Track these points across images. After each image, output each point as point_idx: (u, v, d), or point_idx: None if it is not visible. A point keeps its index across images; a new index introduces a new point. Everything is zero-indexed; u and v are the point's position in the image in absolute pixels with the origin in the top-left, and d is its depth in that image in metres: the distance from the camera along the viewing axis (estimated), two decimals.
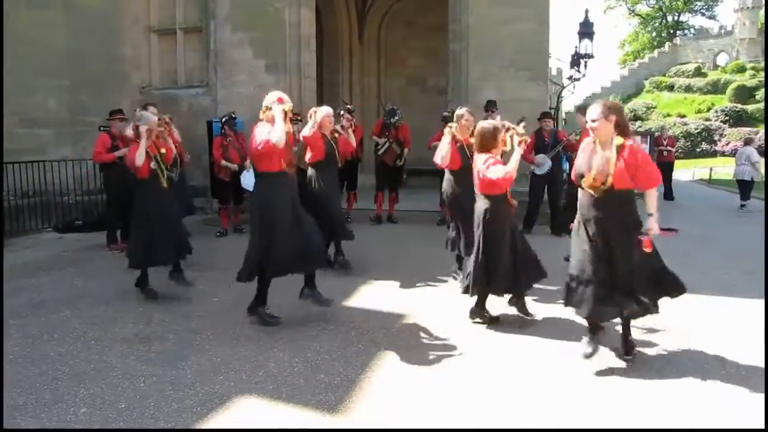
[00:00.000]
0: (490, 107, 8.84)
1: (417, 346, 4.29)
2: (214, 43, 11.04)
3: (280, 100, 4.55)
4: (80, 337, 4.45)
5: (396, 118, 9.51)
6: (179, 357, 4.06)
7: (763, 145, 17.96)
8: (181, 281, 5.84)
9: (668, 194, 14.61)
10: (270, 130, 4.45)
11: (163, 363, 3.96)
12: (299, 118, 9.18)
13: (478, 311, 4.77)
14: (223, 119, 8.78)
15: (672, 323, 4.68)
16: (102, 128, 7.88)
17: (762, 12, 49.16)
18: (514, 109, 9.73)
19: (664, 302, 5.21)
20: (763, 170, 14.01)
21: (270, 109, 4.56)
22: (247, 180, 8.82)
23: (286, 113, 4.51)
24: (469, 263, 4.75)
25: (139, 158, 5.21)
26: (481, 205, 4.69)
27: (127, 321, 4.83)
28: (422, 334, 4.52)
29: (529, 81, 10.17)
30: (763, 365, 3.83)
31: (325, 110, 6.14)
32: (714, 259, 7.23)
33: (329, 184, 6.29)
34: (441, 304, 5.30)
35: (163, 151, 5.44)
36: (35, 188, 9.22)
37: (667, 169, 15.09)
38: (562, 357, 4.03)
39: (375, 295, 5.53)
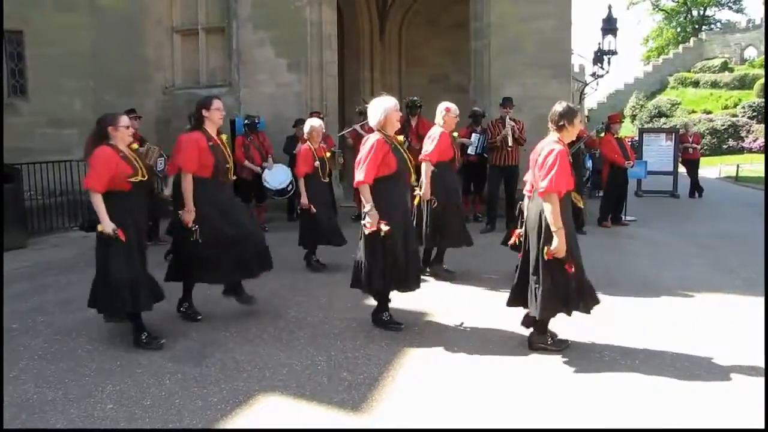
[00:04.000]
0: (507, 104, 8.77)
1: (440, 344, 4.27)
2: (236, 43, 11.12)
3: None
4: (106, 334, 4.51)
5: (416, 98, 9.63)
6: (203, 354, 4.09)
7: None
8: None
9: (693, 191, 14.39)
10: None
11: (188, 360, 4.00)
12: (322, 116, 9.26)
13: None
14: (246, 122, 9.01)
15: (695, 321, 4.61)
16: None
17: None
18: (536, 106, 9.66)
19: (678, 301, 5.15)
20: None
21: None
22: (270, 178, 8.91)
23: None
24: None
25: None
26: None
27: (152, 318, 4.87)
28: (445, 333, 4.50)
29: (552, 78, 10.08)
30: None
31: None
32: (742, 258, 7.09)
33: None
34: (464, 303, 5.28)
35: (327, 154, 6.67)
36: (61, 187, 9.36)
37: (692, 166, 14.88)
38: (583, 359, 3.99)
39: (398, 294, 5.50)
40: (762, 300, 5.08)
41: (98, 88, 10.71)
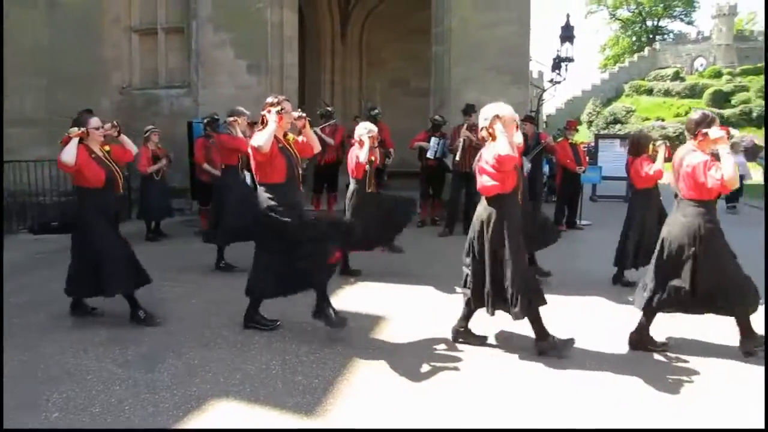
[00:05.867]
0: (469, 111, 8.87)
1: (394, 348, 4.29)
2: (196, 44, 10.97)
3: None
4: (56, 341, 4.38)
5: (376, 110, 9.59)
6: (155, 360, 4.02)
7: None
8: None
9: None
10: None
11: (139, 366, 3.92)
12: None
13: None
14: (205, 120, 8.63)
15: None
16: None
17: (736, 19, 50.27)
18: None
19: None
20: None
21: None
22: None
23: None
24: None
25: (362, 156, 6.02)
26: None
27: (103, 324, 4.77)
28: (400, 337, 4.52)
29: (511, 84, 10.24)
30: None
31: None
32: None
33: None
34: (421, 307, 5.31)
35: (372, 158, 6.22)
36: (10, 189, 9.07)
37: None
38: (539, 361, 4.06)
39: (353, 297, 5.52)
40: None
41: (51, 87, 10.43)
